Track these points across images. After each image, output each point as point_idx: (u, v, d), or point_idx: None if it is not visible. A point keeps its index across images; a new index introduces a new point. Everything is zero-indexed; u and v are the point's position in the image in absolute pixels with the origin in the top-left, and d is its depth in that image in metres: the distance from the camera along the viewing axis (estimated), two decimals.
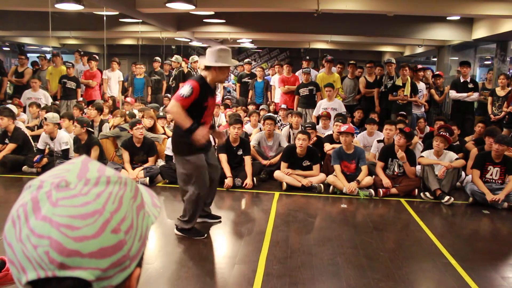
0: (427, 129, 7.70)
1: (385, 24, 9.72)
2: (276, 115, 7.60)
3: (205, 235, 3.96)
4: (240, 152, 5.88)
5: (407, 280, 3.29)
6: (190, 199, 3.80)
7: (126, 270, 0.58)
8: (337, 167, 5.69)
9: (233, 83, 10.63)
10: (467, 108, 8.20)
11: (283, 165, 5.82)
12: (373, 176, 5.70)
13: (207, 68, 3.60)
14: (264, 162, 6.22)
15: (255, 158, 6.24)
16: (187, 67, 8.94)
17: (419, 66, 9.18)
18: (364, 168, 5.66)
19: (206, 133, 3.50)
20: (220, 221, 4.41)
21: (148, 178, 5.70)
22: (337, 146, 6.26)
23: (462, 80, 8.13)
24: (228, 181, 5.56)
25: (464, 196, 5.55)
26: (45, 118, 6.18)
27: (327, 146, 6.32)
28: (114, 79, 9.52)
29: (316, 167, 5.82)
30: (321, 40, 12.67)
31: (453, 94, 8.21)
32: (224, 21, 9.74)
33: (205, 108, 3.59)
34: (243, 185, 5.63)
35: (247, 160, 5.78)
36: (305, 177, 5.72)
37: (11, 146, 6.30)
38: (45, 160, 6.16)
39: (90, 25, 10.06)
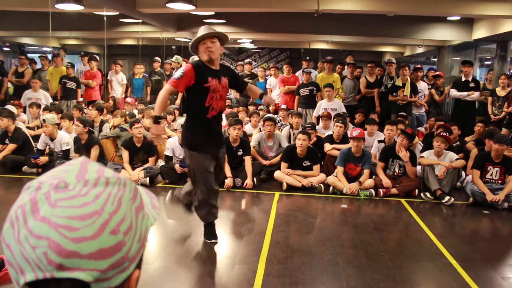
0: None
1: (385, 24, 9.72)
2: (276, 116, 7.59)
3: (213, 240, 3.83)
4: (240, 153, 5.88)
5: (407, 280, 3.28)
6: (197, 200, 3.67)
7: (125, 271, 0.58)
8: (339, 169, 5.68)
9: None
10: (468, 108, 8.20)
11: (283, 165, 5.82)
12: (374, 177, 5.71)
13: (194, 51, 3.51)
14: (264, 162, 6.22)
15: (255, 158, 6.24)
16: None
17: (418, 66, 9.15)
18: (366, 172, 5.65)
19: (160, 130, 3.33)
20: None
21: (148, 179, 5.71)
22: (337, 146, 6.27)
23: (463, 79, 8.13)
24: (229, 181, 5.56)
25: (464, 196, 5.55)
26: (44, 120, 6.17)
27: (327, 147, 6.32)
28: (117, 81, 9.53)
29: (316, 167, 5.82)
30: (321, 40, 12.67)
31: (453, 93, 8.21)
32: (224, 21, 9.74)
33: (207, 89, 3.38)
34: (243, 185, 5.63)
35: (247, 160, 5.79)
36: (305, 177, 5.72)
37: (11, 146, 6.30)
38: (44, 158, 6.15)
39: (90, 25, 10.06)
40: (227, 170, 5.62)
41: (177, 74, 3.36)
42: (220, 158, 3.72)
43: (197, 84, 3.36)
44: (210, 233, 3.83)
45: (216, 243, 3.82)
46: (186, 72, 3.33)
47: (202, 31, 3.40)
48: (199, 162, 3.52)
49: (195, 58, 9.22)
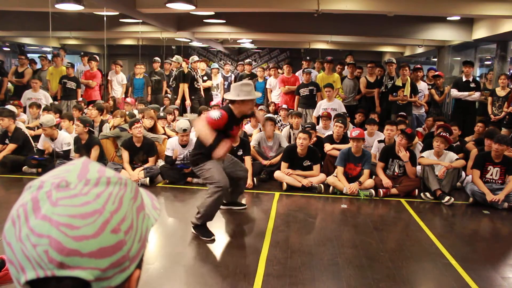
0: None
1: (385, 24, 9.72)
2: (276, 116, 7.60)
3: (213, 237, 3.94)
4: (240, 153, 5.88)
5: (407, 280, 3.29)
6: (210, 195, 3.92)
7: (126, 271, 0.58)
8: (340, 169, 5.69)
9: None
10: (468, 108, 8.20)
11: (284, 165, 5.82)
12: (374, 177, 5.71)
13: (231, 102, 3.88)
14: (264, 162, 6.23)
15: (255, 158, 6.24)
16: (187, 68, 8.94)
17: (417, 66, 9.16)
18: (366, 172, 5.65)
19: (227, 148, 3.80)
20: (245, 208, 4.74)
21: (148, 179, 5.71)
22: (337, 146, 6.27)
23: (464, 79, 8.14)
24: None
25: (464, 196, 5.55)
26: (41, 124, 6.14)
27: (327, 147, 6.32)
28: (117, 81, 9.54)
29: (317, 167, 5.82)
30: (321, 40, 12.66)
31: (454, 93, 8.21)
32: (224, 21, 9.74)
33: (229, 136, 3.93)
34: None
35: (247, 160, 5.79)
36: (305, 177, 5.72)
37: (11, 146, 6.30)
38: (48, 145, 6.14)
39: (90, 25, 10.06)
40: None
41: (216, 115, 3.76)
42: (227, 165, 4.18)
43: (224, 129, 3.81)
44: (208, 230, 4.01)
45: (214, 239, 3.95)
46: (223, 117, 3.77)
47: (249, 91, 3.85)
48: (212, 164, 3.91)
49: (195, 58, 9.25)
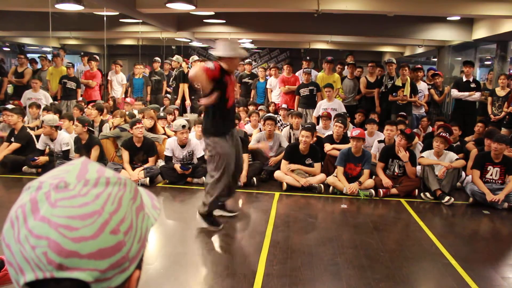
0: (429, 128, 7.69)
1: (385, 24, 9.72)
2: (276, 116, 7.59)
3: (221, 226, 4.14)
4: None
5: (407, 280, 3.29)
6: (213, 183, 4.01)
7: (125, 272, 0.58)
8: (340, 169, 5.69)
9: None
10: (468, 108, 8.20)
11: (284, 162, 5.82)
12: (374, 177, 5.71)
13: (219, 58, 3.95)
14: (270, 155, 6.24)
15: (256, 154, 6.26)
16: (188, 67, 8.94)
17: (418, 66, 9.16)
18: (366, 172, 5.66)
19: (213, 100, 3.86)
20: (237, 215, 4.62)
21: (148, 179, 5.71)
22: (337, 146, 6.27)
23: (464, 79, 8.14)
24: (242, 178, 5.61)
25: (464, 196, 5.55)
26: (43, 121, 6.18)
27: (327, 147, 6.32)
28: (117, 81, 9.54)
29: (318, 165, 5.83)
30: (321, 40, 12.66)
31: (454, 93, 8.21)
32: (224, 21, 9.74)
33: (226, 84, 3.99)
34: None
35: (244, 157, 5.80)
36: (306, 174, 5.74)
37: (14, 145, 6.31)
38: (44, 158, 6.16)
39: (90, 25, 10.06)
40: None
41: (210, 65, 3.84)
42: (235, 137, 4.21)
43: (219, 80, 3.87)
44: (216, 219, 4.17)
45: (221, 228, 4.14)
46: (216, 66, 3.87)
47: (235, 48, 3.96)
48: (224, 146, 3.99)
49: (195, 57, 9.25)
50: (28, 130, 6.69)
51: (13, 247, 0.54)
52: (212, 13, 9.02)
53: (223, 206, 4.55)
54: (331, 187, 5.66)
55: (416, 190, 5.62)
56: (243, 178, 5.68)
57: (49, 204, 0.54)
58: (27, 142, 6.40)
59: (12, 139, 6.42)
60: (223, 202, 4.50)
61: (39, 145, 6.34)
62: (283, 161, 5.87)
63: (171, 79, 9.49)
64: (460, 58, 12.63)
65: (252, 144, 6.24)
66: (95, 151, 5.94)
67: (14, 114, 6.39)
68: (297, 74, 8.91)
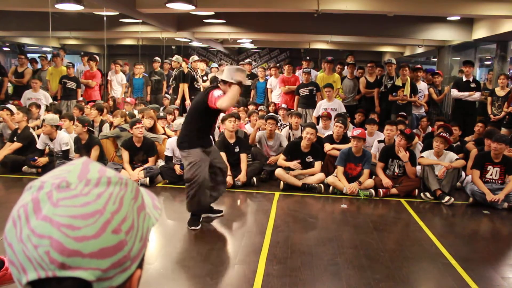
0: (429, 129, 7.69)
1: (385, 24, 9.72)
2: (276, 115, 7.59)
3: (199, 227, 4.20)
4: (237, 149, 5.90)
5: (407, 280, 3.29)
6: (192, 188, 4.06)
7: (127, 271, 0.58)
8: (340, 169, 5.69)
9: None
10: (468, 108, 8.19)
11: (282, 157, 5.83)
12: (374, 177, 5.71)
13: (224, 82, 4.00)
14: (270, 157, 6.24)
15: (256, 154, 6.26)
16: (187, 67, 8.94)
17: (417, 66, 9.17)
18: (366, 172, 5.66)
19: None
20: (222, 215, 4.58)
21: (148, 179, 5.71)
22: (337, 146, 6.27)
23: (464, 79, 8.13)
24: (229, 179, 5.58)
25: (464, 196, 5.55)
26: (44, 120, 6.19)
27: (327, 147, 6.32)
28: (116, 81, 9.54)
29: (318, 164, 5.84)
30: (321, 40, 12.66)
31: (454, 93, 8.21)
32: (224, 21, 9.73)
33: (218, 113, 4.16)
34: (235, 179, 5.69)
35: (243, 157, 5.82)
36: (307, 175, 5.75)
37: (16, 145, 6.32)
38: (44, 159, 6.17)
39: (90, 25, 10.06)
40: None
41: (220, 92, 3.92)
42: (212, 150, 4.28)
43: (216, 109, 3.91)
44: (196, 219, 4.23)
45: (198, 229, 4.20)
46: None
47: (242, 76, 3.99)
48: (198, 154, 4.04)
49: (195, 57, 9.25)
50: (31, 130, 6.69)
51: (15, 247, 0.54)
52: (212, 13, 9.01)
53: (211, 208, 4.55)
54: (331, 187, 5.66)
55: (416, 190, 5.62)
56: (242, 177, 5.69)
57: (51, 203, 0.54)
58: (29, 143, 6.41)
59: (15, 139, 6.43)
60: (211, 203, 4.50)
61: (38, 145, 6.34)
62: (281, 155, 5.87)
63: (171, 79, 9.49)
64: (458, 58, 12.64)
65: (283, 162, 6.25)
66: (95, 151, 5.94)
67: (20, 112, 6.43)
68: (297, 74, 8.91)
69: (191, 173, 4.03)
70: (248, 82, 4.38)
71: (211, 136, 4.37)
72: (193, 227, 4.18)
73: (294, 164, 5.72)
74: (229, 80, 3.95)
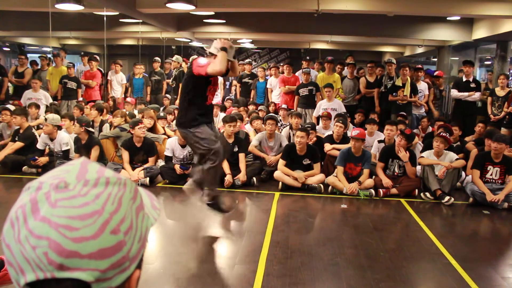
0: (429, 129, 7.69)
1: (385, 24, 9.72)
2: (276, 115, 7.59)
3: (233, 208, 4.20)
4: (236, 149, 5.91)
5: (407, 280, 3.29)
6: (207, 167, 3.89)
7: (126, 271, 0.58)
8: (340, 169, 5.69)
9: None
10: (468, 108, 8.19)
11: (281, 162, 5.82)
12: (374, 177, 5.71)
13: (211, 54, 3.91)
14: (269, 158, 6.23)
15: (257, 155, 6.26)
16: (187, 67, 8.94)
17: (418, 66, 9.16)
18: (366, 172, 5.66)
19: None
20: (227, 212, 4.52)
21: (148, 179, 5.71)
22: (337, 146, 6.27)
23: (464, 79, 8.13)
24: (228, 178, 5.61)
25: (464, 196, 5.55)
26: (46, 119, 6.20)
27: (327, 147, 6.32)
28: (116, 81, 9.55)
29: (317, 166, 5.83)
30: (321, 40, 12.66)
31: (454, 93, 8.21)
32: (224, 21, 9.74)
33: (209, 82, 3.96)
34: (235, 178, 5.68)
35: (241, 157, 5.83)
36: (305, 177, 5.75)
37: (17, 145, 6.32)
38: (44, 158, 6.17)
39: (90, 25, 10.06)
40: (226, 166, 5.63)
41: (203, 61, 3.83)
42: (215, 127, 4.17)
43: (205, 77, 3.82)
44: (223, 204, 4.06)
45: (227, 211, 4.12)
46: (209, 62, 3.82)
47: (230, 52, 3.82)
48: (204, 130, 3.89)
49: (195, 57, 9.25)
50: (33, 130, 6.70)
51: (13, 248, 0.54)
52: (212, 13, 9.02)
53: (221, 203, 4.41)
54: (330, 187, 5.66)
55: (416, 190, 5.62)
56: (242, 177, 5.69)
57: (49, 204, 0.54)
58: (31, 142, 6.41)
59: (16, 138, 6.43)
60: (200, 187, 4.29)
61: (39, 145, 6.34)
62: (280, 160, 5.87)
63: (171, 79, 9.49)
64: (458, 58, 12.64)
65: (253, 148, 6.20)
66: (95, 151, 5.94)
67: (17, 115, 6.42)
68: (297, 74, 8.91)
69: (204, 146, 3.88)
70: (232, 53, 4.19)
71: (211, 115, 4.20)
72: (226, 211, 4.10)
73: (298, 177, 5.67)
74: (214, 53, 3.84)
